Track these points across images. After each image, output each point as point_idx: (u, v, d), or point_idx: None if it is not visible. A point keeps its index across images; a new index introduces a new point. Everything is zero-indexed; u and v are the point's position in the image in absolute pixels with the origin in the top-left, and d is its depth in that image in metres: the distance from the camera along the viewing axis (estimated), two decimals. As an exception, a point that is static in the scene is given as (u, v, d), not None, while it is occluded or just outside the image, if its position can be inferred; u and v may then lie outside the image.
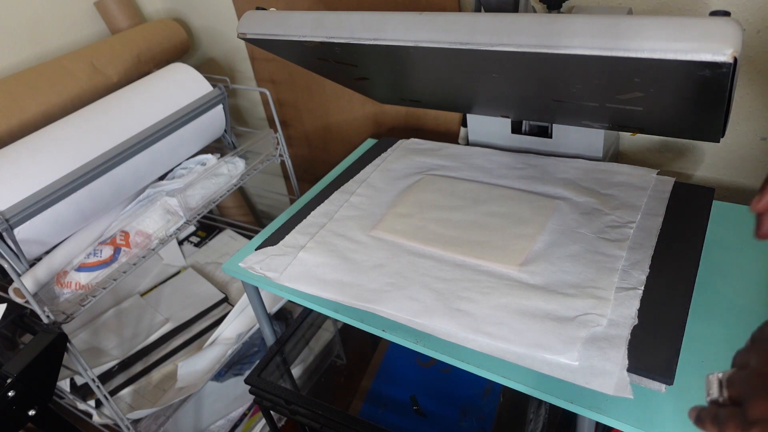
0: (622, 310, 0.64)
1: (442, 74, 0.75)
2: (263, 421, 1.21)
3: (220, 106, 1.12)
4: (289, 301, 1.09)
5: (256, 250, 0.85)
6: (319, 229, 0.87)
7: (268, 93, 1.12)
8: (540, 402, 0.84)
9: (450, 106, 1.02)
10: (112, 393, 1.07)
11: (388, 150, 1.07)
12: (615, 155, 1.00)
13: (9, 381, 0.70)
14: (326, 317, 1.16)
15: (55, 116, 1.00)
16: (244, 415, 1.21)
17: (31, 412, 0.75)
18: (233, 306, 1.18)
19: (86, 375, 0.87)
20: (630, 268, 0.70)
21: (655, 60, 0.50)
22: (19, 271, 0.83)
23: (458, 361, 0.65)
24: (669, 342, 0.59)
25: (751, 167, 0.91)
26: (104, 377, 1.10)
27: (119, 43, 1.14)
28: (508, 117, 0.95)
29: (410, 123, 1.21)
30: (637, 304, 0.64)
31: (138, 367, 1.13)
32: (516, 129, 0.97)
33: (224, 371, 1.23)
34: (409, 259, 0.77)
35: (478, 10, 0.81)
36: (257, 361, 1.00)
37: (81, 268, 0.89)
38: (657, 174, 0.85)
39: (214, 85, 1.12)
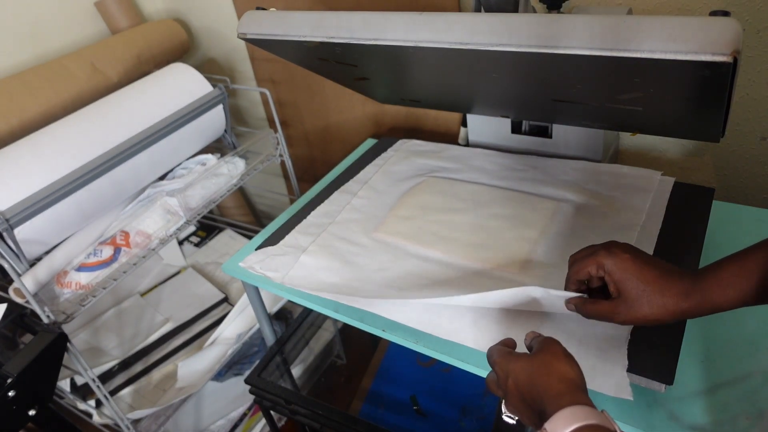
0: (622, 310, 0.64)
1: (442, 74, 0.75)
2: (263, 421, 1.21)
3: (220, 106, 1.12)
4: (289, 301, 1.09)
5: (256, 250, 0.85)
6: (320, 230, 0.86)
7: (268, 93, 1.12)
8: (540, 402, 0.83)
9: (450, 106, 1.02)
10: (113, 393, 1.07)
11: (389, 150, 1.07)
12: (615, 155, 1.00)
13: (9, 381, 0.70)
14: (326, 317, 1.16)
15: (56, 116, 1.00)
16: (244, 414, 1.21)
17: (32, 412, 0.75)
18: (233, 306, 1.18)
19: (86, 375, 0.87)
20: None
21: (655, 60, 0.50)
22: (20, 271, 0.83)
23: (458, 361, 0.65)
24: (669, 342, 0.59)
25: (751, 167, 0.91)
26: (104, 377, 1.10)
27: (119, 43, 1.14)
28: (508, 117, 0.95)
29: (410, 123, 1.21)
30: (637, 304, 0.64)
31: (138, 367, 1.13)
32: (516, 129, 0.97)
33: (224, 371, 1.23)
34: (410, 262, 0.77)
35: (478, 10, 0.80)
36: (257, 361, 1.00)
37: (81, 268, 0.89)
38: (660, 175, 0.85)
39: (214, 85, 1.12)
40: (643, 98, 0.64)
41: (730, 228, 0.79)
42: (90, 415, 1.02)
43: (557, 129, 0.92)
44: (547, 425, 0.40)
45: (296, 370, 1.18)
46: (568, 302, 0.58)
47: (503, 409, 0.49)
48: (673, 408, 0.58)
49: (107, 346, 1.17)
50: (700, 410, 0.57)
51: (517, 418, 0.48)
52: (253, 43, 0.76)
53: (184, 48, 1.28)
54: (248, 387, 0.90)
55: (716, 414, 0.57)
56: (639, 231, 0.75)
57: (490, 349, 0.52)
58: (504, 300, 0.64)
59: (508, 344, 0.52)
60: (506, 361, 0.48)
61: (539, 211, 0.82)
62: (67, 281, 0.87)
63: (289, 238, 0.86)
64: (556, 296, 0.59)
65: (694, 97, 0.60)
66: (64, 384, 1.04)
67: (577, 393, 0.43)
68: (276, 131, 1.17)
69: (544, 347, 0.47)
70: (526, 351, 0.50)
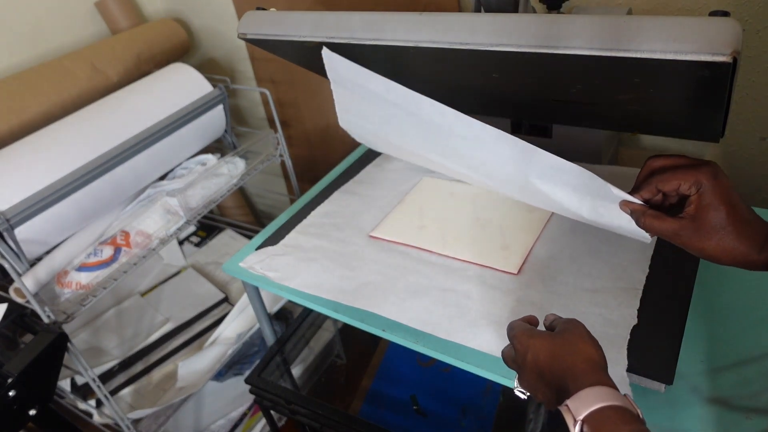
0: (621, 310, 0.64)
1: (442, 74, 0.75)
2: (263, 420, 1.21)
3: (221, 106, 1.12)
4: (289, 301, 1.09)
5: (256, 250, 0.85)
6: (318, 230, 0.87)
7: (268, 93, 1.12)
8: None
9: (450, 106, 1.02)
10: (113, 393, 1.07)
11: (388, 150, 1.06)
12: (615, 155, 1.00)
13: (10, 381, 0.70)
14: (326, 317, 1.16)
15: (56, 116, 1.00)
16: (244, 414, 1.21)
17: (32, 412, 0.75)
18: (233, 306, 1.18)
19: (87, 375, 0.87)
20: (630, 267, 0.70)
21: (655, 60, 0.50)
22: (20, 271, 0.83)
23: (458, 361, 0.65)
24: (668, 342, 0.59)
25: (751, 167, 0.91)
26: (105, 377, 1.10)
27: (119, 44, 1.15)
28: (508, 117, 0.95)
29: (410, 123, 1.21)
30: (636, 304, 0.64)
31: (138, 367, 1.13)
32: (516, 129, 0.97)
33: (224, 371, 1.23)
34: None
35: (478, 10, 0.80)
36: (257, 361, 1.00)
37: (81, 268, 0.89)
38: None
39: (214, 85, 1.12)
40: (643, 98, 0.64)
41: (730, 228, 0.79)
42: (90, 415, 1.02)
43: (557, 129, 0.92)
44: (570, 402, 0.40)
45: (296, 370, 1.18)
46: (627, 204, 0.53)
47: (516, 384, 0.49)
48: (673, 407, 0.58)
49: (107, 346, 1.17)
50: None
51: (528, 394, 0.48)
52: (253, 43, 0.76)
53: (184, 48, 1.28)
54: (248, 387, 0.90)
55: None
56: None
57: (511, 324, 0.51)
58: (520, 152, 0.63)
59: (530, 321, 0.52)
60: (527, 336, 0.47)
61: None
62: (67, 281, 0.87)
63: (289, 238, 0.86)
64: (612, 191, 0.54)
65: (694, 97, 0.60)
66: (65, 384, 1.04)
67: (601, 374, 0.43)
68: (276, 131, 1.17)
69: (570, 327, 0.47)
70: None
